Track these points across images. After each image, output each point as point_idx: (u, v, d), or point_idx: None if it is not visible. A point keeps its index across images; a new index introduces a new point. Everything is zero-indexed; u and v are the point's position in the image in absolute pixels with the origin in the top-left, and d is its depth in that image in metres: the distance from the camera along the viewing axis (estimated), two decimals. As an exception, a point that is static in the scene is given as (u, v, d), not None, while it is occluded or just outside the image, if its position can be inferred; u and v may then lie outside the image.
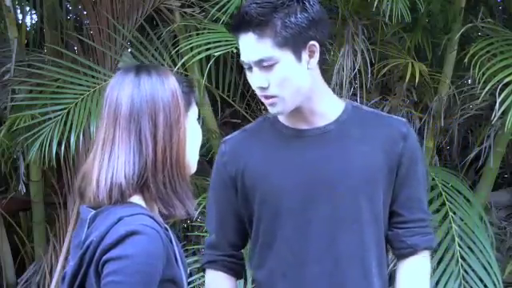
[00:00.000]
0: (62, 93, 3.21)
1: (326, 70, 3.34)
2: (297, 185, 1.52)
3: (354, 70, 3.06)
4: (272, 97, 1.49)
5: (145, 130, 1.21)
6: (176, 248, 1.25)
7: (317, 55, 1.49)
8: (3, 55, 3.53)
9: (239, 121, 3.91)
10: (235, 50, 2.65)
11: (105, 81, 3.20)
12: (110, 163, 1.21)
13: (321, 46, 1.50)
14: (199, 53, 2.76)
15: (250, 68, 1.49)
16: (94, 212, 1.23)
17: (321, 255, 1.51)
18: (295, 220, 1.53)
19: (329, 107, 1.58)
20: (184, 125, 1.25)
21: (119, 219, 1.17)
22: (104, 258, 1.14)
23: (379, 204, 1.54)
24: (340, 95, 3.10)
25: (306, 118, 1.56)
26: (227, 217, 1.65)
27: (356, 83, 3.22)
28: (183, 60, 2.93)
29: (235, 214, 1.64)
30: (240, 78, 3.70)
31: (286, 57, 1.45)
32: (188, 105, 1.29)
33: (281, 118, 1.60)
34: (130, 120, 1.21)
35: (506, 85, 2.72)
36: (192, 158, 1.33)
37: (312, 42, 1.47)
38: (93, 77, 3.26)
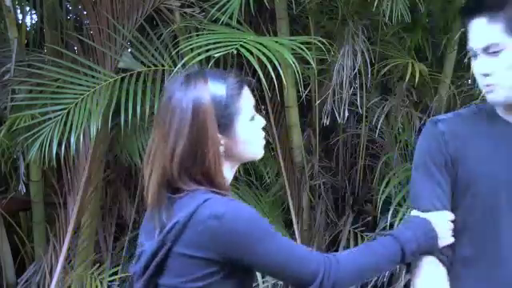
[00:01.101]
0: (62, 93, 3.20)
1: (326, 70, 3.35)
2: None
3: (354, 70, 3.07)
4: (493, 84, 1.46)
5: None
6: None
7: None
8: (3, 55, 3.53)
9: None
10: (235, 51, 2.65)
11: (105, 81, 3.20)
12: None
13: None
14: (199, 54, 2.76)
15: (476, 56, 1.47)
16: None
17: None
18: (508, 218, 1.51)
19: None
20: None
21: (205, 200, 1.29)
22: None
23: None
24: (340, 95, 3.10)
25: None
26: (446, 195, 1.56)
27: (356, 83, 3.22)
28: (183, 61, 2.93)
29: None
30: (240, 78, 3.70)
31: None
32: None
33: (499, 112, 1.54)
34: None
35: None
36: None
37: None
38: (93, 77, 3.26)
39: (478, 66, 1.46)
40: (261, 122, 1.45)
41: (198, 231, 1.27)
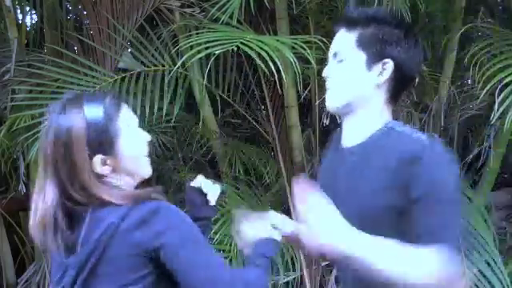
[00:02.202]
0: (62, 93, 3.19)
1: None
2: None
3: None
4: (329, 88, 1.55)
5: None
6: None
7: (387, 72, 1.48)
8: (3, 55, 3.53)
9: (239, 121, 3.92)
10: (235, 49, 2.65)
11: (105, 81, 3.21)
12: None
13: (399, 71, 1.49)
14: (199, 51, 2.76)
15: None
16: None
17: None
18: None
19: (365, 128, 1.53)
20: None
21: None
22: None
23: None
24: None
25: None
26: None
27: (356, 83, 3.21)
28: (183, 58, 2.93)
29: None
30: (240, 78, 3.70)
31: (357, 58, 1.50)
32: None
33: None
34: None
35: (506, 85, 2.72)
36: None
37: (387, 60, 1.48)
38: (93, 77, 3.26)
39: (325, 69, 1.56)
40: (144, 135, 1.49)
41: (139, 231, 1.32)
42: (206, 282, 1.32)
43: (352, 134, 1.54)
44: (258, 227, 1.56)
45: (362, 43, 1.49)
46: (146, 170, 1.49)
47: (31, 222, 1.40)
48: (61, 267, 1.39)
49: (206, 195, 1.63)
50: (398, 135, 1.48)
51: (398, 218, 1.39)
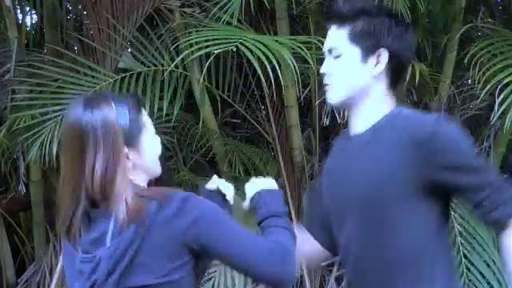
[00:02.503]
0: (61, 93, 3.21)
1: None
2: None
3: (354, 69, 3.06)
4: (329, 84, 1.58)
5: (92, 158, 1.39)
6: None
7: (383, 62, 1.52)
8: (3, 55, 3.53)
9: (239, 121, 3.92)
10: (235, 49, 2.65)
11: (105, 81, 3.21)
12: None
13: (394, 59, 1.53)
14: (198, 50, 2.76)
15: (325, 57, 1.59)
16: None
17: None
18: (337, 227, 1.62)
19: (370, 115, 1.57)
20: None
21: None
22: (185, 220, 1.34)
23: None
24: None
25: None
26: None
27: (356, 83, 3.21)
28: (182, 55, 2.93)
29: None
30: (240, 78, 3.70)
31: (352, 53, 1.53)
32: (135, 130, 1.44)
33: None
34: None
35: (506, 85, 2.72)
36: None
37: (382, 49, 1.51)
38: (93, 77, 3.26)
39: (322, 66, 1.58)
40: (159, 139, 1.53)
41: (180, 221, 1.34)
42: (252, 254, 1.37)
43: (359, 123, 1.57)
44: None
45: (354, 38, 1.52)
46: (159, 169, 1.52)
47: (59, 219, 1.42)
48: (85, 261, 1.38)
49: (224, 196, 1.63)
50: (406, 116, 1.52)
51: (407, 198, 1.45)
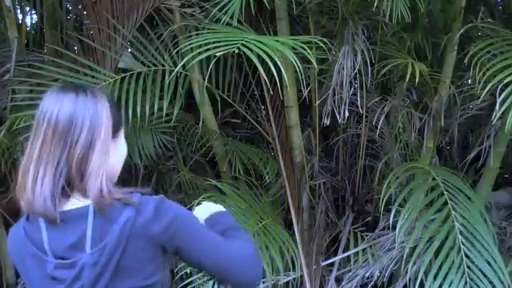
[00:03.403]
0: (62, 93, 3.20)
1: (326, 70, 3.35)
2: None
3: (354, 70, 3.06)
4: None
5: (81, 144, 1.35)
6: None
7: None
8: (3, 55, 3.53)
9: (239, 121, 3.92)
10: (237, 51, 2.65)
11: (105, 81, 3.21)
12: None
13: None
14: (199, 53, 2.76)
15: None
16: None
17: None
18: None
19: None
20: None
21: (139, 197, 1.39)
22: (156, 226, 1.34)
23: None
24: (340, 95, 3.10)
25: None
26: None
27: (356, 83, 3.22)
28: (184, 61, 2.93)
29: None
30: (240, 78, 3.70)
31: None
32: (119, 124, 1.45)
33: None
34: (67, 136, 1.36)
35: (506, 85, 2.71)
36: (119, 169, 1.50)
37: None
38: (93, 77, 3.26)
39: None
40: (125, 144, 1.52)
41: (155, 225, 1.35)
42: (225, 256, 1.42)
43: None
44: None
45: None
46: (117, 174, 1.50)
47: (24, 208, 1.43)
48: (62, 267, 1.34)
49: None
50: None
51: None
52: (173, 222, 1.36)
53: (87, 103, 1.38)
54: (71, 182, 1.35)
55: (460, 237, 2.85)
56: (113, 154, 1.42)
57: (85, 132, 1.35)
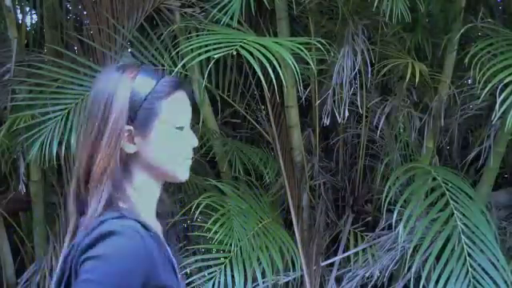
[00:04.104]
0: (62, 93, 3.20)
1: (326, 70, 3.35)
2: None
3: (354, 70, 3.06)
4: None
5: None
6: (171, 254, 1.26)
7: None
8: (3, 55, 3.52)
9: (239, 121, 3.92)
10: (235, 53, 2.65)
11: (105, 81, 3.20)
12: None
13: None
14: (199, 54, 2.76)
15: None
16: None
17: None
18: None
19: None
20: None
21: (102, 221, 1.19)
22: (82, 257, 1.16)
23: None
24: (340, 95, 3.10)
25: None
26: None
27: (356, 83, 3.22)
28: (183, 62, 2.93)
29: None
30: (240, 78, 3.70)
31: None
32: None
33: None
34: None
35: (506, 85, 2.72)
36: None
37: None
38: (93, 77, 3.26)
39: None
40: (191, 138, 1.35)
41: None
42: None
43: None
44: None
45: None
46: (184, 175, 1.34)
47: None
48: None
49: None
50: None
51: None
52: (89, 256, 1.14)
53: (114, 82, 1.26)
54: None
55: (463, 236, 2.85)
56: (144, 147, 1.27)
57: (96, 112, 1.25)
